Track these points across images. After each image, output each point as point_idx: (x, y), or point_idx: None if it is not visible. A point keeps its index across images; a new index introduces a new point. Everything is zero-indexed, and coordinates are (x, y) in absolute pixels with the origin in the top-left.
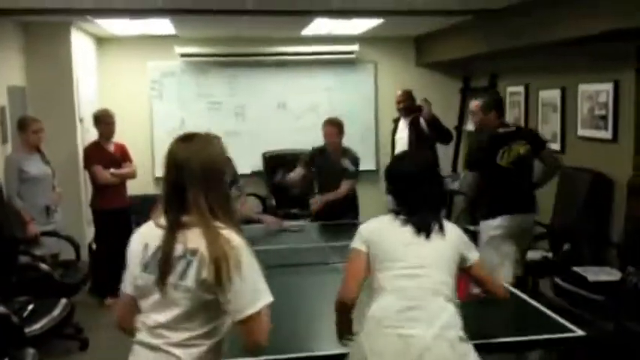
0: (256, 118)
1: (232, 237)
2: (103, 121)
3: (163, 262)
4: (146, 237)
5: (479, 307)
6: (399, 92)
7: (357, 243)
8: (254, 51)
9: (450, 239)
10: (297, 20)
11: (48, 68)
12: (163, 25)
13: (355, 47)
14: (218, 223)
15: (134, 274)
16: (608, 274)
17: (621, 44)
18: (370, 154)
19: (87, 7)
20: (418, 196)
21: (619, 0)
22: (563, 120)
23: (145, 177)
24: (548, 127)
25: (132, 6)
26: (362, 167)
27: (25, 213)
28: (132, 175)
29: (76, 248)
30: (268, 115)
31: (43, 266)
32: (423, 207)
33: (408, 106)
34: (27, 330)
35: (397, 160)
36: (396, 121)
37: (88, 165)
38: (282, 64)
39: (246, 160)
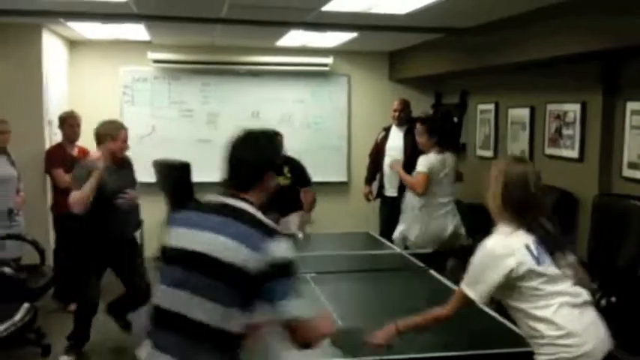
0: (229, 127)
1: None
2: (68, 122)
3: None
4: (517, 242)
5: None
6: (397, 101)
7: None
8: (228, 59)
9: None
10: (272, 31)
11: (17, 70)
12: (137, 31)
13: (329, 60)
14: None
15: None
16: None
17: (589, 65)
18: (342, 166)
19: (60, 10)
20: None
21: (586, 23)
22: (532, 138)
23: None
24: (517, 144)
25: (106, 10)
26: (333, 179)
27: None
28: None
29: (41, 252)
30: (241, 123)
31: (6, 269)
32: None
33: (406, 115)
34: None
35: None
36: (387, 130)
37: (49, 168)
38: (256, 73)
39: (218, 168)
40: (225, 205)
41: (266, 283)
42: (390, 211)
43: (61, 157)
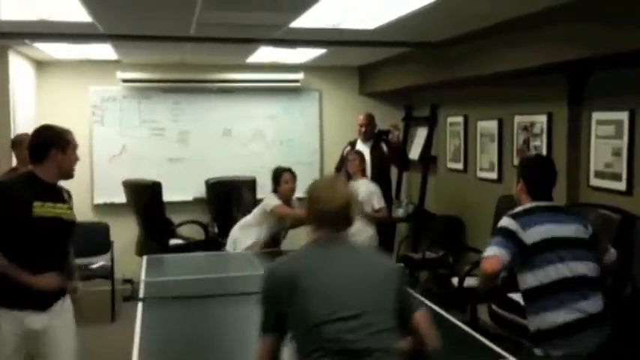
0: (200, 145)
1: None
2: (21, 145)
3: None
4: None
5: None
6: (362, 116)
7: None
8: (199, 77)
9: None
10: (242, 48)
11: None
12: (105, 50)
13: (300, 75)
14: None
15: None
16: None
17: (554, 77)
18: None
19: (25, 31)
20: None
21: (550, 35)
22: (500, 150)
23: (83, 204)
24: (486, 156)
25: (72, 31)
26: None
27: None
28: None
29: None
30: (213, 141)
31: None
32: None
33: (371, 129)
34: None
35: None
36: (352, 144)
37: None
38: (227, 90)
39: (189, 187)
40: (561, 207)
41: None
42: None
43: None
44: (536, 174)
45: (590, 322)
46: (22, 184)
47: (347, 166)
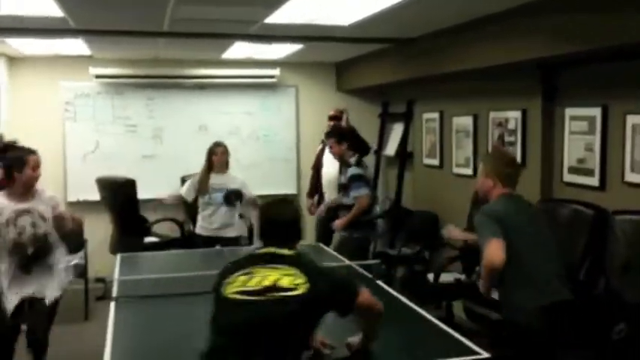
0: (175, 141)
1: None
2: None
3: None
4: None
5: (384, 327)
6: (332, 111)
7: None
8: (173, 73)
9: None
10: (217, 43)
11: None
12: (77, 46)
13: (276, 71)
14: None
15: None
16: None
17: (528, 73)
18: (292, 177)
19: None
20: None
21: (525, 31)
22: (476, 146)
23: None
24: (462, 152)
25: (42, 26)
26: (283, 191)
27: None
28: None
29: None
30: (188, 138)
31: None
32: None
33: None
34: None
35: None
36: (324, 142)
37: None
38: (203, 86)
39: (164, 184)
40: None
41: None
42: (327, 223)
43: None
44: None
45: None
46: None
47: (213, 158)
